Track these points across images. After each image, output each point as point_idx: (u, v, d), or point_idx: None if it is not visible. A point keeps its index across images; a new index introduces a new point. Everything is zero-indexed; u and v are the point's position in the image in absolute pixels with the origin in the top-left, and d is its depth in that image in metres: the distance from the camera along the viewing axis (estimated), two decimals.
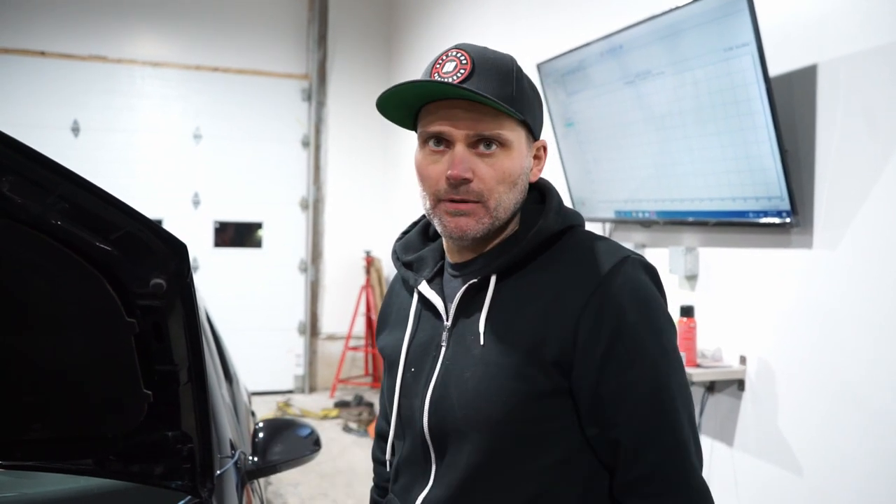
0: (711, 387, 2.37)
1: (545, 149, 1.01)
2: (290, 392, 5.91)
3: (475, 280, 0.96)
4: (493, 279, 0.96)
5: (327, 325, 6.05)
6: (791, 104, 2.03)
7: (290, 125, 5.89)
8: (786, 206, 1.99)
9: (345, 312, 5.97)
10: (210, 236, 5.70)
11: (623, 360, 0.88)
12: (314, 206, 5.93)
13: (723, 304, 2.35)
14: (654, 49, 2.32)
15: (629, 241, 2.82)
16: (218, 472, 1.54)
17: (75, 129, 5.33)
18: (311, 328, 6.00)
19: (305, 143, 5.93)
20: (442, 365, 0.98)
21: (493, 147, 0.91)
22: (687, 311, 2.29)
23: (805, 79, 2.00)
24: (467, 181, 0.91)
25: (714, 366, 2.29)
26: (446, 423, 0.95)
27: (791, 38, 2.04)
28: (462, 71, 0.91)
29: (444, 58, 0.93)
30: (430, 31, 5.18)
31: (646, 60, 2.38)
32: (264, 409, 5.19)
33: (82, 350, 1.15)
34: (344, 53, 5.98)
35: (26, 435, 1.29)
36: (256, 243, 5.87)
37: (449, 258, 1.03)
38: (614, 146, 2.67)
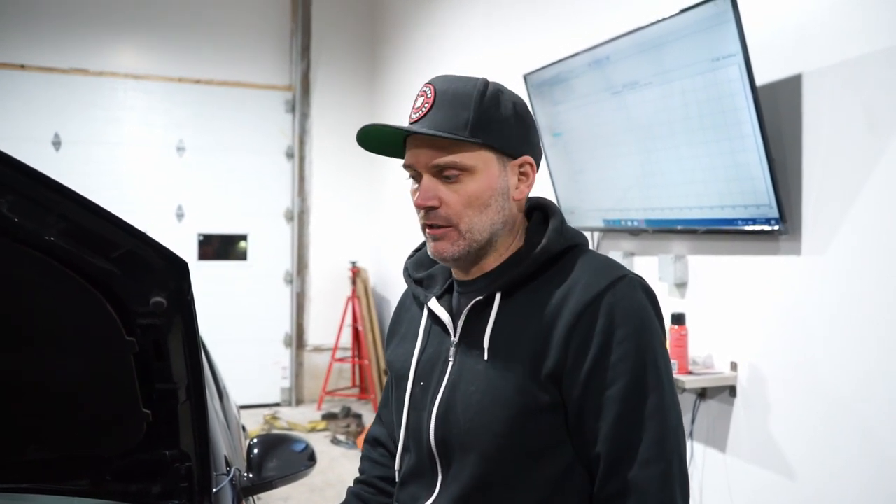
0: (703, 393, 2.39)
1: (532, 165, 1.02)
2: (276, 405, 5.86)
3: (481, 297, 1.00)
4: (497, 296, 0.99)
5: (313, 336, 6.01)
6: (777, 113, 2.06)
7: (274, 137, 5.87)
8: (774, 213, 2.02)
9: (331, 324, 5.94)
10: (194, 249, 5.65)
11: (607, 377, 0.92)
12: (299, 217, 5.91)
13: (713, 312, 2.37)
14: (641, 60, 2.35)
15: (618, 249, 2.84)
16: (214, 489, 1.53)
17: (56, 143, 5.27)
18: (297, 340, 5.96)
19: (290, 155, 5.91)
20: (449, 379, 1.01)
21: (456, 175, 0.96)
22: (678, 319, 2.31)
23: (791, 88, 2.03)
24: (434, 208, 0.97)
25: (705, 372, 2.31)
26: (451, 436, 0.99)
27: (776, 48, 2.07)
28: (425, 106, 0.98)
29: (418, 94, 1.00)
30: (414, 42, 5.20)
31: (633, 71, 2.40)
32: (251, 423, 5.14)
33: (81, 369, 1.14)
34: (328, 64, 5.98)
35: (22, 456, 1.27)
36: (241, 255, 5.83)
37: (455, 276, 1.06)
38: (602, 156, 2.70)
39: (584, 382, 0.92)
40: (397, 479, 1.12)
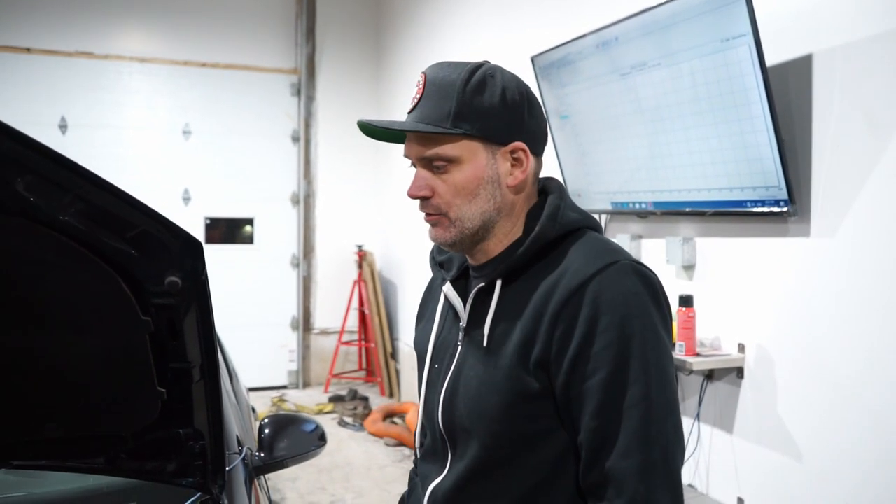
0: (710, 375, 2.40)
1: (525, 150, 1.01)
2: (283, 388, 5.91)
3: (482, 284, 1.02)
4: (497, 284, 1.01)
5: (320, 319, 6.04)
6: (787, 94, 2.05)
7: (279, 120, 5.86)
8: (783, 195, 2.01)
9: (338, 307, 5.96)
10: (201, 233, 5.67)
11: (590, 364, 0.91)
12: (305, 200, 5.91)
13: (721, 293, 2.38)
14: (650, 41, 2.34)
15: (626, 231, 2.83)
16: (227, 468, 1.55)
17: (63, 126, 5.28)
18: (304, 323, 5.99)
19: (295, 138, 5.90)
20: (456, 364, 1.04)
21: (444, 165, 0.98)
22: (686, 301, 2.32)
23: (801, 68, 2.02)
24: (426, 198, 1.00)
25: (713, 354, 2.32)
26: (455, 419, 1.02)
27: (786, 28, 2.06)
28: (417, 97, 1.01)
29: (416, 82, 1.03)
30: (420, 24, 5.17)
31: (641, 52, 2.39)
32: (259, 406, 5.18)
33: (97, 349, 1.15)
34: (333, 47, 5.95)
35: (40, 434, 1.29)
36: (248, 239, 5.85)
37: (469, 261, 1.08)
38: (610, 138, 2.69)
39: (568, 371, 0.93)
40: (418, 455, 1.16)
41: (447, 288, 1.09)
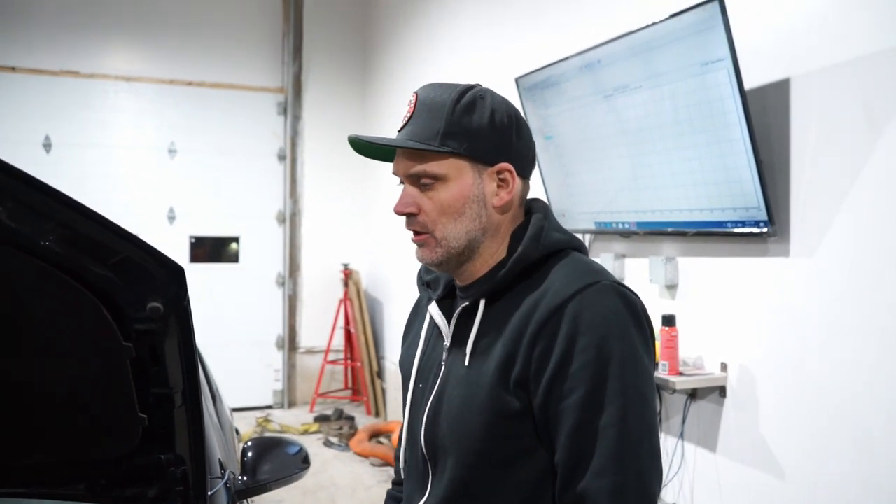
0: (693, 394, 2.42)
1: (511, 171, 1.03)
2: (269, 407, 5.86)
3: (466, 304, 1.04)
4: (481, 304, 1.02)
5: (306, 338, 6.01)
6: (766, 116, 2.09)
7: (265, 139, 5.87)
8: (763, 216, 2.04)
9: (323, 326, 5.94)
10: (186, 251, 5.64)
11: (567, 384, 0.92)
12: (291, 219, 5.91)
13: (703, 313, 2.40)
14: (632, 64, 2.37)
15: (609, 251, 2.86)
16: (209, 493, 1.54)
17: (47, 145, 5.25)
18: (290, 342, 5.96)
19: (282, 157, 5.91)
20: (439, 383, 1.05)
21: (431, 182, 1.00)
22: (668, 321, 2.33)
23: (779, 92, 2.05)
24: (412, 215, 1.01)
25: (696, 373, 2.33)
26: (437, 439, 1.02)
27: (764, 53, 2.10)
28: (408, 115, 1.02)
29: (408, 101, 1.04)
30: (406, 44, 5.21)
31: (623, 75, 2.43)
32: (244, 426, 5.13)
33: (78, 374, 1.15)
34: (319, 66, 5.98)
35: (19, 460, 1.28)
36: (233, 258, 5.83)
37: (456, 281, 1.09)
38: (593, 158, 2.72)
39: (546, 390, 0.93)
40: (398, 476, 1.16)
41: (432, 307, 1.10)
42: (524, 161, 1.06)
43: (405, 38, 5.20)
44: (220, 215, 5.73)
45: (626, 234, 2.71)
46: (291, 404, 5.91)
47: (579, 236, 2.98)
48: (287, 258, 5.94)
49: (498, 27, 3.77)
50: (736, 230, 2.15)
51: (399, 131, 1.03)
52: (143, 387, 1.17)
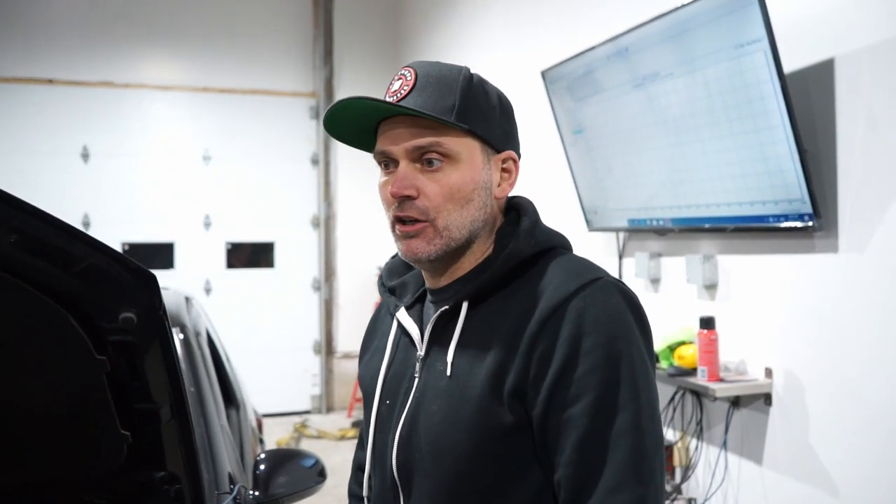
0: (736, 402, 2.26)
1: (516, 161, 0.94)
2: (307, 412, 5.84)
3: (447, 307, 0.91)
4: (464, 306, 0.90)
5: (343, 343, 5.97)
6: (808, 101, 1.93)
7: (299, 143, 5.85)
8: (807, 208, 1.88)
9: (360, 330, 5.81)
10: (222, 258, 5.66)
11: (571, 392, 0.81)
12: (325, 223, 5.88)
13: (745, 314, 2.24)
14: (662, 50, 2.23)
15: (644, 250, 2.71)
16: None
17: (85, 155, 5.33)
18: (327, 347, 5.93)
19: (315, 161, 5.89)
20: (413, 398, 0.92)
21: (438, 162, 0.87)
22: (707, 323, 2.19)
23: (822, 74, 1.89)
24: (410, 198, 0.87)
25: (738, 379, 2.18)
26: (413, 461, 0.90)
27: (805, 32, 1.94)
28: (405, 87, 0.89)
29: (394, 78, 0.92)
30: (436, 44, 5.13)
31: (653, 62, 2.29)
32: (280, 431, 5.11)
33: (53, 390, 1.08)
34: (350, 69, 5.94)
35: (7, 479, 1.22)
36: (269, 263, 5.83)
37: (427, 284, 0.97)
38: (624, 152, 2.58)
39: (547, 398, 0.82)
40: None
41: (401, 314, 0.97)
42: (519, 154, 0.97)
43: (435, 40, 5.12)
44: (256, 221, 5.73)
45: (661, 232, 2.57)
46: (329, 409, 5.88)
47: (611, 235, 2.87)
48: (322, 262, 5.91)
49: (525, 21, 3.65)
50: (778, 225, 1.99)
51: (370, 100, 0.89)
52: (123, 402, 1.10)
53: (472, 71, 0.94)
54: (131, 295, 0.99)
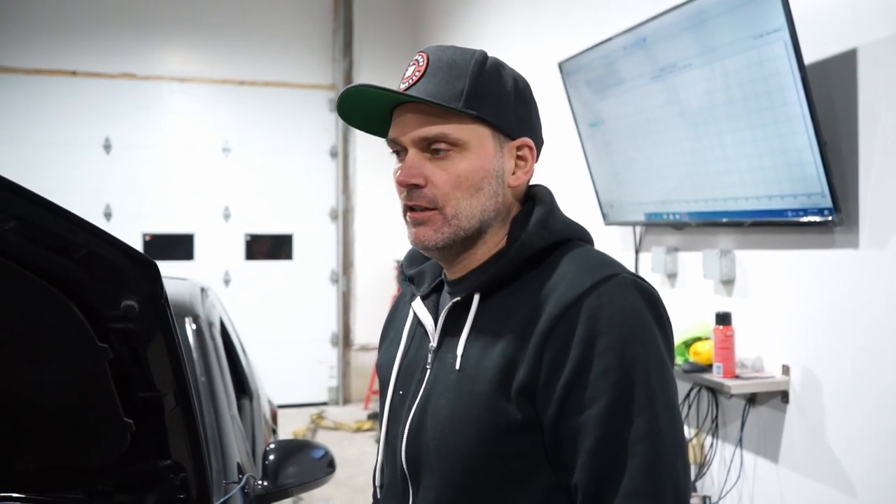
0: (752, 399, 2.22)
1: (532, 148, 0.91)
2: (324, 404, 5.86)
3: (458, 299, 0.89)
4: (475, 299, 0.88)
5: (360, 335, 5.99)
6: (829, 93, 1.88)
7: (317, 136, 5.86)
8: (827, 202, 1.84)
9: (377, 322, 5.86)
10: (241, 249, 5.70)
11: (586, 394, 0.79)
12: (344, 216, 5.89)
13: (762, 310, 2.20)
14: (680, 40, 2.19)
15: (661, 244, 2.67)
16: (222, 499, 1.47)
17: (107, 147, 5.38)
18: (344, 339, 5.95)
19: (334, 154, 5.89)
20: (424, 390, 0.90)
21: (446, 150, 0.86)
22: (723, 319, 2.15)
23: (844, 64, 1.84)
24: (418, 186, 0.86)
25: (755, 376, 2.14)
26: (420, 455, 0.88)
27: (826, 21, 1.89)
28: (416, 73, 0.88)
29: (411, 62, 0.90)
30: (454, 36, 5.10)
31: (671, 53, 2.25)
32: (298, 422, 5.14)
33: (56, 378, 1.09)
34: (370, 61, 5.94)
35: (13, 465, 1.23)
36: (287, 255, 5.85)
37: (445, 274, 0.95)
38: (641, 145, 2.54)
39: (560, 400, 0.79)
40: (378, 497, 1.02)
41: (416, 304, 0.96)
42: (539, 141, 0.94)
43: (455, 32, 5.09)
44: (275, 213, 5.76)
45: (678, 226, 2.53)
46: (346, 401, 5.90)
47: (628, 229, 2.83)
48: (340, 255, 5.92)
49: (543, 13, 3.62)
50: (798, 219, 1.95)
51: (370, 87, 0.88)
52: (127, 391, 1.10)
53: (490, 55, 0.91)
54: (133, 283, 0.99)
